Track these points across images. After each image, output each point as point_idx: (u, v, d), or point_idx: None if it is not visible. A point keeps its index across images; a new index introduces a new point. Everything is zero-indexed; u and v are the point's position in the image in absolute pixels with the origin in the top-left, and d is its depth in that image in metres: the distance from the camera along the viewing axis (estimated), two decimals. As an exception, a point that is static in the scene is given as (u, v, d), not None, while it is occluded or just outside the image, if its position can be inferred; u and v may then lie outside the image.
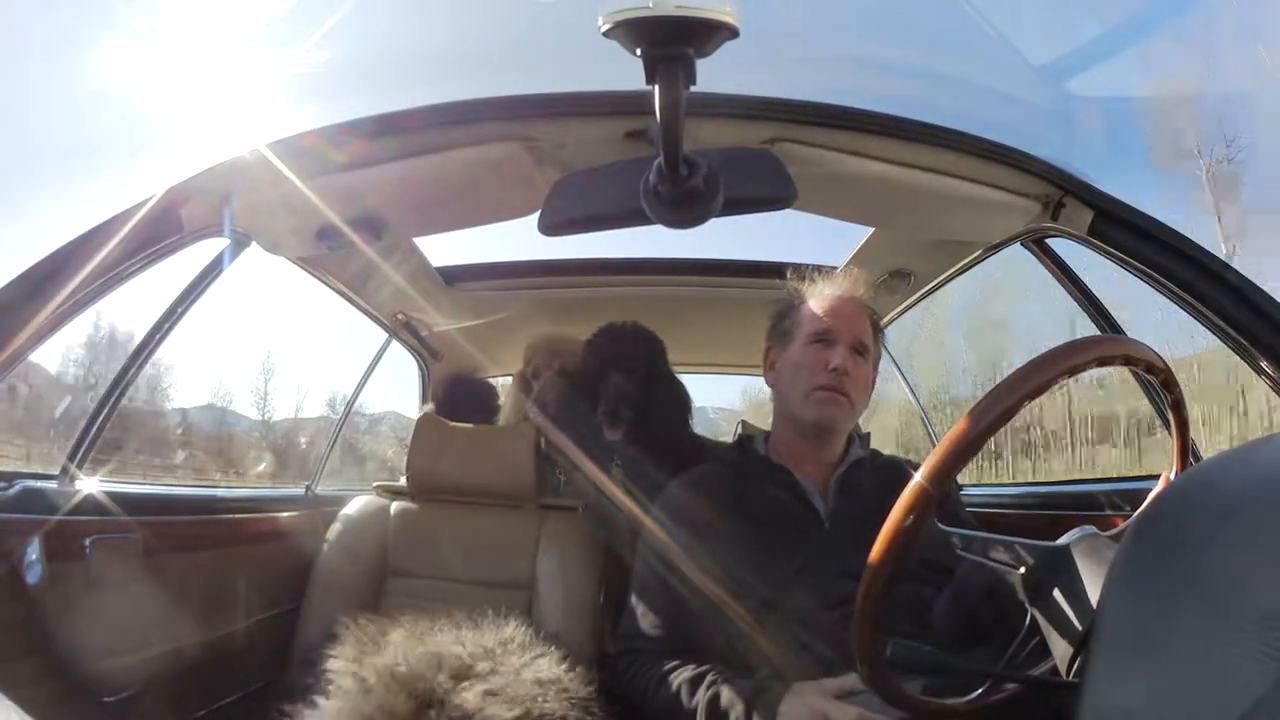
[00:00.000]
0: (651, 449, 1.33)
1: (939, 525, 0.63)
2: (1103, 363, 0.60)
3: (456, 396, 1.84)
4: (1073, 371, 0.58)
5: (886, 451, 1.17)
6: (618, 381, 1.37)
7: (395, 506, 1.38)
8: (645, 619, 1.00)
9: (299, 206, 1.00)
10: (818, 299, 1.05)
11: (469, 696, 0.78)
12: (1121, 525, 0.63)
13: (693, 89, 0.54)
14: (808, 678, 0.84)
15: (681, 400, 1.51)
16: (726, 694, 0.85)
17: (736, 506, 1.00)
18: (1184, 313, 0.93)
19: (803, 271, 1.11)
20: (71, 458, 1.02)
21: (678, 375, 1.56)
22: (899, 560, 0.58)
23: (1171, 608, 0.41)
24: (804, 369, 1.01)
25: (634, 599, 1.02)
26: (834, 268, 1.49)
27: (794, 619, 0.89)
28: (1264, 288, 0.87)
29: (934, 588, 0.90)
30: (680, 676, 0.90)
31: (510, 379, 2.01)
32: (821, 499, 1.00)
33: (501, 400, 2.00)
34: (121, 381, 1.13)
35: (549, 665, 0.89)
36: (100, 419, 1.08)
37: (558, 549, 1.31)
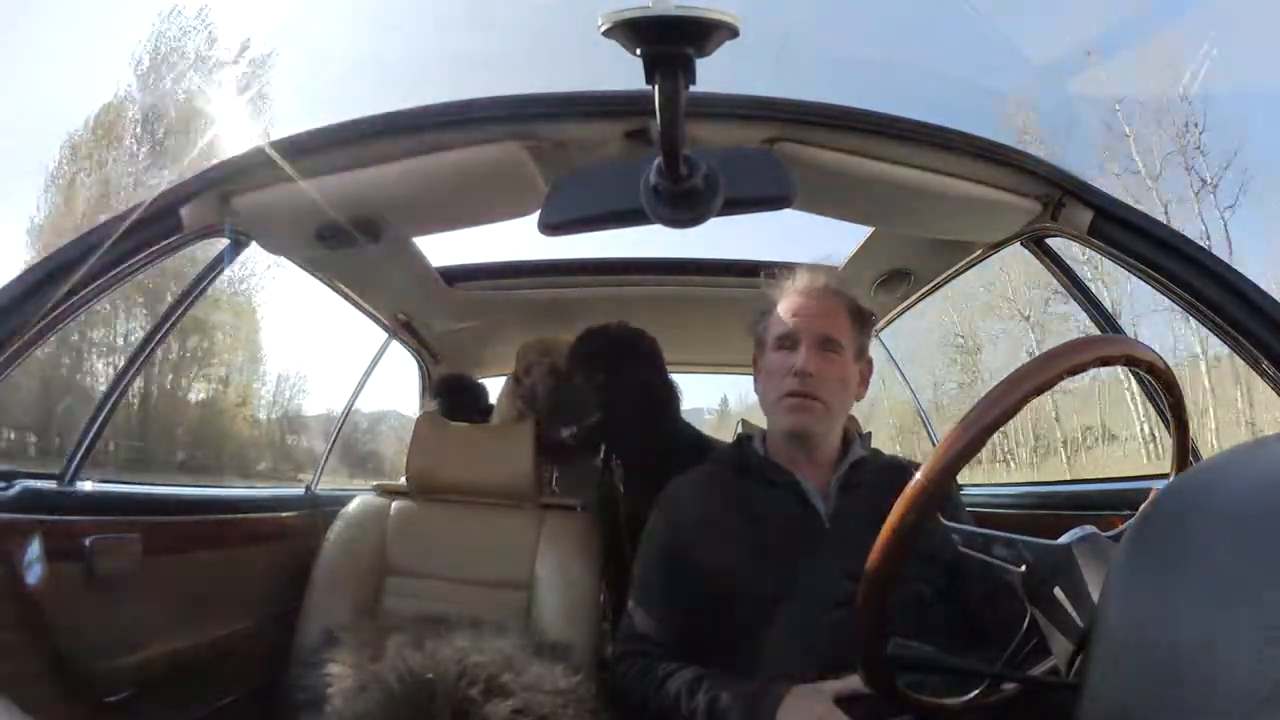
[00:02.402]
0: (639, 445, 1.33)
1: (942, 521, 0.63)
2: (1104, 362, 0.60)
3: (447, 396, 1.84)
4: (1074, 371, 0.57)
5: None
6: (570, 391, 1.39)
7: (395, 506, 1.38)
8: (645, 621, 0.99)
9: (299, 206, 1.00)
10: (784, 300, 1.02)
11: (495, 713, 0.78)
12: (1122, 525, 0.63)
13: (693, 89, 0.54)
14: (810, 677, 0.84)
15: (659, 392, 1.49)
16: (725, 698, 0.84)
17: (738, 506, 1.00)
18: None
19: (775, 273, 1.07)
20: (71, 458, 1.02)
21: (677, 376, 1.55)
22: (899, 560, 0.58)
23: (1172, 607, 0.41)
24: (773, 375, 1.00)
25: (633, 600, 1.02)
26: (833, 267, 1.49)
27: (796, 618, 0.89)
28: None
29: (934, 587, 0.90)
30: (679, 680, 0.90)
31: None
32: (822, 499, 1.00)
33: (493, 400, 2.00)
34: (122, 382, 1.13)
35: (564, 673, 0.90)
36: (100, 419, 1.08)
37: (557, 548, 1.31)
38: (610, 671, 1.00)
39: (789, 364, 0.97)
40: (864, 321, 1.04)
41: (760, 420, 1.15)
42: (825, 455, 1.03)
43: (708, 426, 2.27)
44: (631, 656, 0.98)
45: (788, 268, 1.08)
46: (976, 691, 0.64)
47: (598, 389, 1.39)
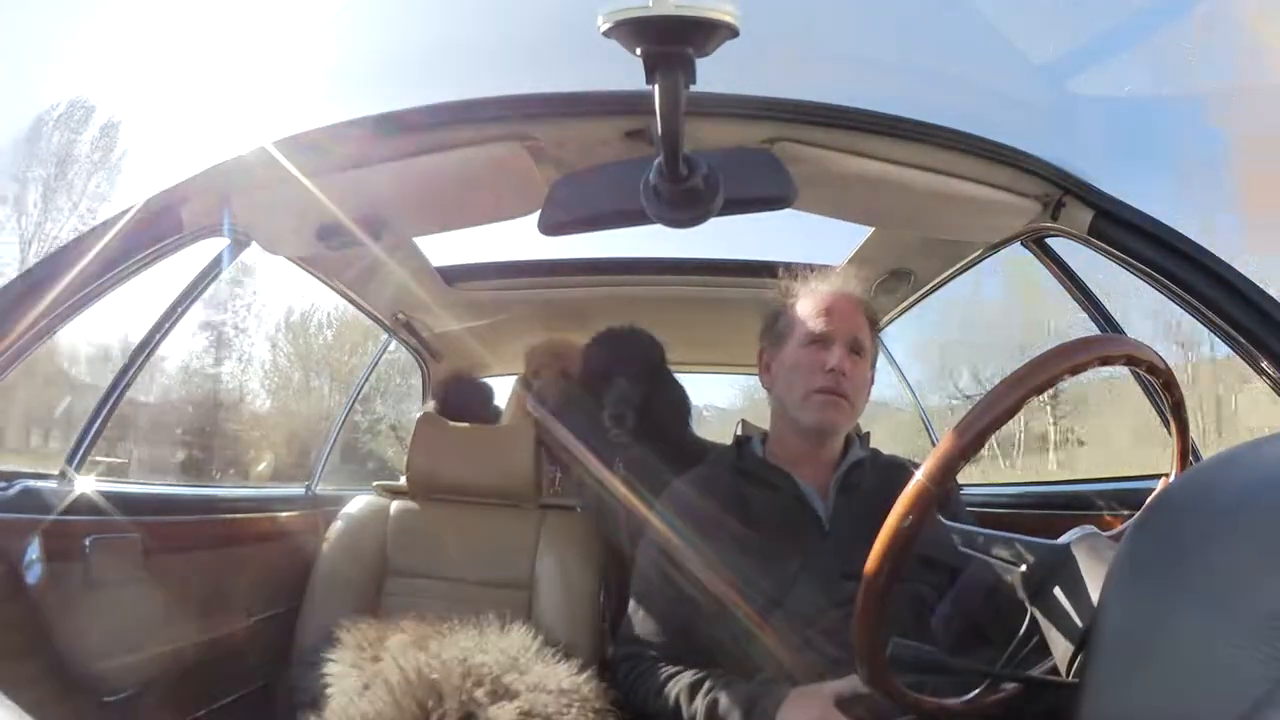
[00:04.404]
0: (653, 448, 1.34)
1: (942, 521, 0.63)
2: (1105, 362, 0.60)
3: (453, 397, 1.85)
4: (1074, 370, 0.57)
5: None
6: (621, 385, 1.38)
7: (395, 506, 1.38)
8: (645, 622, 0.99)
9: (299, 206, 1.00)
10: (811, 298, 1.04)
11: (501, 715, 0.78)
12: (1121, 525, 0.63)
13: (693, 89, 0.54)
14: (811, 677, 0.84)
15: (681, 401, 1.52)
16: (725, 701, 0.84)
17: (737, 507, 0.99)
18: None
19: (795, 270, 1.09)
20: (71, 458, 1.02)
21: (678, 375, 1.56)
22: (899, 560, 0.58)
23: (1172, 607, 0.41)
24: (800, 371, 1.00)
25: (634, 602, 1.02)
26: (833, 267, 1.49)
27: (796, 619, 0.89)
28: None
29: (934, 587, 0.90)
30: (679, 682, 0.90)
31: (510, 378, 2.02)
32: (821, 501, 1.00)
33: (499, 402, 2.00)
34: (121, 382, 1.13)
35: (567, 674, 0.90)
36: (100, 419, 1.08)
37: (557, 548, 1.31)
38: (610, 673, 1.00)
39: (821, 360, 0.98)
40: (876, 330, 1.07)
41: (761, 421, 1.15)
42: (829, 455, 1.04)
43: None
44: (631, 659, 0.98)
45: (804, 267, 1.09)
46: (977, 691, 0.64)
47: (641, 391, 1.39)
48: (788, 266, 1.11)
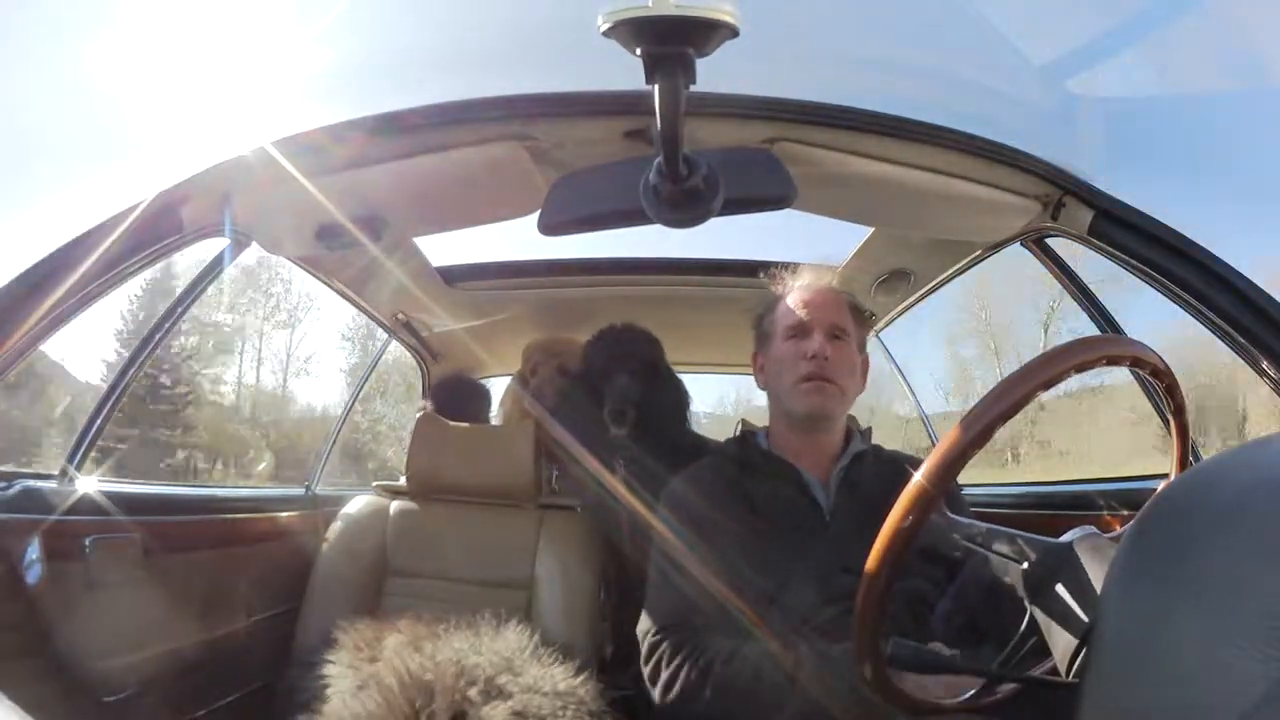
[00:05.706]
0: (654, 446, 1.34)
1: (949, 515, 0.63)
2: (1110, 362, 0.60)
3: (449, 396, 1.84)
4: (1079, 369, 0.57)
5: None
6: (622, 381, 1.38)
7: (395, 506, 1.38)
8: (679, 598, 0.94)
9: (299, 206, 1.00)
10: (790, 295, 1.08)
11: (494, 715, 0.78)
12: (1121, 526, 0.63)
13: (692, 89, 0.54)
14: None
15: (680, 399, 1.52)
16: (831, 647, 0.82)
17: (740, 500, 1.00)
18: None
19: (774, 273, 1.12)
20: (71, 458, 1.02)
21: (678, 374, 1.56)
22: (898, 561, 0.58)
23: (1172, 607, 0.41)
24: (785, 363, 1.03)
25: (656, 587, 0.98)
26: (833, 267, 1.49)
27: (795, 613, 0.89)
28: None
29: (934, 583, 0.90)
30: (759, 642, 0.86)
31: (509, 379, 2.02)
32: (823, 491, 1.00)
33: (497, 402, 2.00)
34: (122, 381, 1.13)
35: (563, 675, 0.90)
36: (100, 419, 1.08)
37: (557, 548, 1.31)
38: (648, 655, 0.94)
39: (803, 349, 1.01)
40: (861, 316, 1.10)
41: (760, 420, 1.16)
42: (829, 445, 1.04)
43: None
44: (667, 631, 0.92)
45: (789, 267, 1.12)
46: (975, 691, 0.64)
47: (641, 388, 1.39)
48: (766, 268, 1.13)
